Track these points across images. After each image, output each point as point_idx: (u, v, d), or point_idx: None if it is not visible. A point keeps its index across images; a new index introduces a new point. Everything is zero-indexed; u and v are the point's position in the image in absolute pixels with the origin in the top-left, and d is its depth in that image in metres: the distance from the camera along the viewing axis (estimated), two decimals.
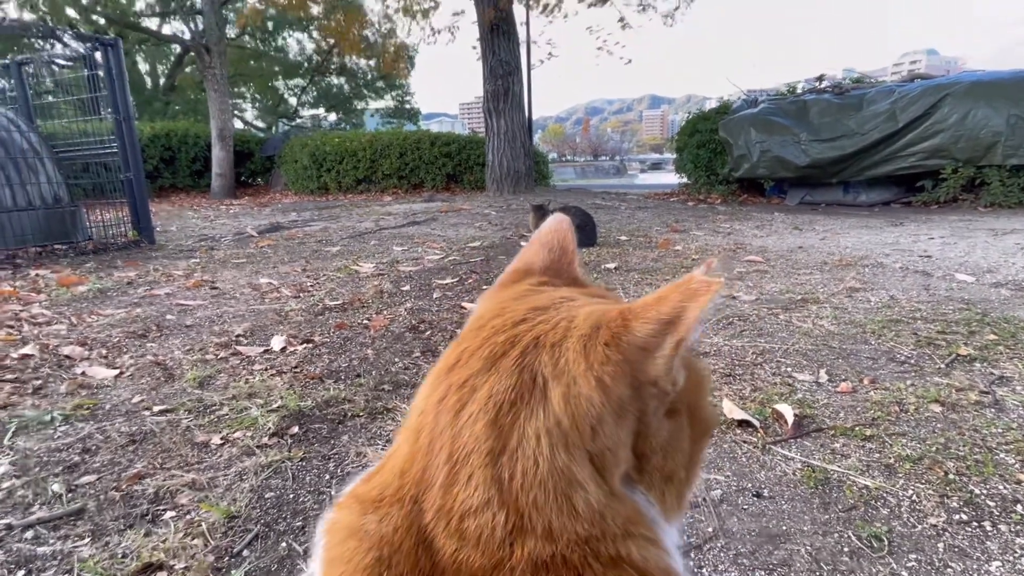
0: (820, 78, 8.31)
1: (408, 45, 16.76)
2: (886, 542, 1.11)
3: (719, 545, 1.12)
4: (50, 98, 5.58)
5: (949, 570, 1.04)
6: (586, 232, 4.46)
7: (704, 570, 1.06)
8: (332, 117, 22.70)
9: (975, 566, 1.05)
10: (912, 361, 2.02)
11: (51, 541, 1.14)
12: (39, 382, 1.99)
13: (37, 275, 3.82)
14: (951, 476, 1.31)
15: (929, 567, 1.05)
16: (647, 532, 0.38)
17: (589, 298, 0.46)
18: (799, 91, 8.15)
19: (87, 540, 1.14)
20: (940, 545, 1.11)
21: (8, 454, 1.49)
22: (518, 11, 11.31)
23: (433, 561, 0.35)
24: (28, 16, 14.58)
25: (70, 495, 1.29)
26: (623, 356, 0.36)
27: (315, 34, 17.99)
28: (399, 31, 14.76)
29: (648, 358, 0.37)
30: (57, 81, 5.70)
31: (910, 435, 1.50)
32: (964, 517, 1.18)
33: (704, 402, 0.46)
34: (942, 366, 1.95)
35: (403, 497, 0.38)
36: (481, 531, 0.35)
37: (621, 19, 12.16)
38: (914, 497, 1.25)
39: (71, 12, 14.52)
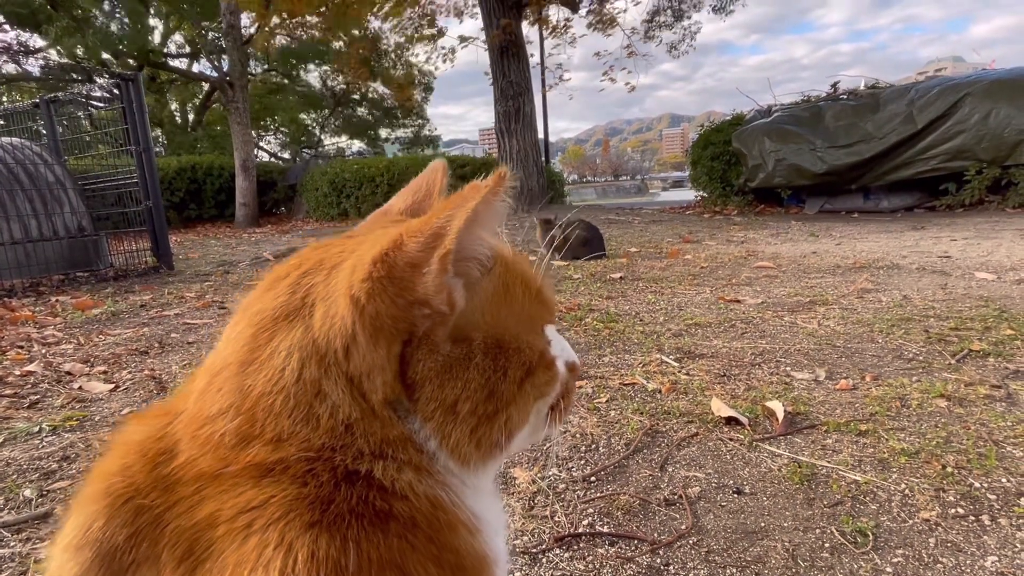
0: (835, 85, 8.19)
1: (419, 73, 17.07)
2: (871, 537, 1.03)
3: (691, 542, 1.05)
4: (86, 137, 5.85)
5: (939, 565, 0.96)
6: (593, 244, 4.41)
7: (671, 567, 0.99)
8: (356, 146, 23.18)
9: (968, 561, 0.97)
10: (920, 358, 1.92)
11: (12, 544, 1.14)
12: (36, 397, 2.03)
13: (57, 301, 3.93)
14: (949, 470, 1.22)
15: (917, 563, 0.97)
16: (414, 459, 0.36)
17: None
18: (813, 99, 8.04)
19: (47, 542, 1.14)
20: (931, 540, 1.02)
21: None
22: (527, 32, 11.50)
23: (170, 467, 0.34)
24: (66, 61, 15.39)
25: (40, 500, 1.30)
26: (388, 273, 0.34)
27: (336, 65, 18.48)
28: (414, 59, 15.13)
29: (417, 275, 0.34)
30: (93, 118, 5.95)
31: (909, 430, 1.41)
32: (960, 511, 1.09)
33: (522, 333, 0.41)
34: (952, 362, 1.85)
35: (171, 409, 0.37)
36: (214, 436, 0.33)
37: (628, 46, 12.25)
38: (907, 491, 1.16)
39: (105, 55, 15.24)
